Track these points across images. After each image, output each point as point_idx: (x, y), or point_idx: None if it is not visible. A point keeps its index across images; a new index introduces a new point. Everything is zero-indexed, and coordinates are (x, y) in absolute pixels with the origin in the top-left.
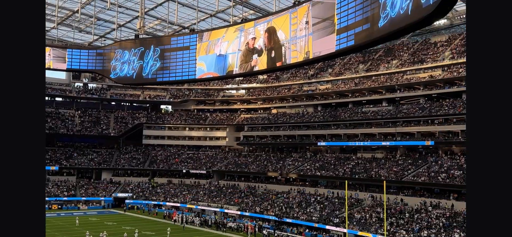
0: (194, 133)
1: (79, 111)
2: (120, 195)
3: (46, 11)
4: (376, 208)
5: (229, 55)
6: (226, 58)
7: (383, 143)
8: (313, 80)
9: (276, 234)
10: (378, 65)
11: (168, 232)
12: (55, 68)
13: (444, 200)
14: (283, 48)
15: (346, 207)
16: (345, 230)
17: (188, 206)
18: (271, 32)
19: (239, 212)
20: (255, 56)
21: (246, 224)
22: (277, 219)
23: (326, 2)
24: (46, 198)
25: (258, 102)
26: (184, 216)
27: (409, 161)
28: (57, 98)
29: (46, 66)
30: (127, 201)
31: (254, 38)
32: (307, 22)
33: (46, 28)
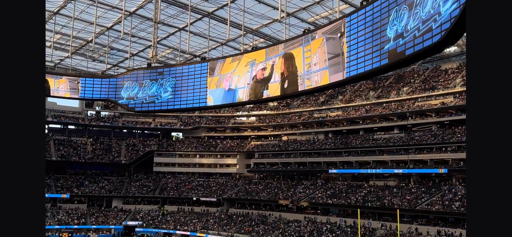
0: (204, 160)
1: (91, 139)
2: (130, 223)
3: (61, 41)
4: None
5: (238, 90)
6: (235, 92)
7: (396, 171)
8: (323, 107)
9: None
10: (389, 92)
11: None
12: (69, 97)
13: (459, 229)
14: (299, 79)
15: (359, 236)
16: None
17: (198, 234)
18: (288, 58)
19: None
20: (266, 92)
21: None
22: None
23: (337, 38)
24: (57, 226)
25: (269, 130)
26: None
27: (423, 189)
28: (69, 126)
29: (64, 96)
30: (137, 229)
31: (264, 69)
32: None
33: (61, 57)
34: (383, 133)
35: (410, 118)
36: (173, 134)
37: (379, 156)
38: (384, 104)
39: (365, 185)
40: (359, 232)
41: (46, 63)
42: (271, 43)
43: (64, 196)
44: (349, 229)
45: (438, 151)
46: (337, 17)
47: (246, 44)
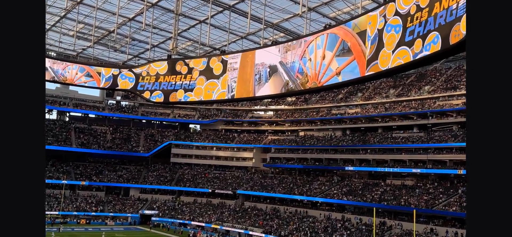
0: (221, 153)
1: (111, 128)
2: (147, 212)
3: (84, 31)
4: None
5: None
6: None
7: (414, 170)
8: (342, 103)
9: None
10: (409, 91)
11: None
12: (90, 86)
13: None
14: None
15: (374, 235)
16: None
17: (213, 226)
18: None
19: (263, 235)
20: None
21: None
22: None
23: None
24: (75, 212)
25: (286, 125)
26: (208, 236)
27: (440, 190)
28: (90, 115)
29: (96, 85)
30: (153, 218)
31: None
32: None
33: (83, 47)
34: (402, 132)
35: (430, 117)
36: (191, 125)
37: (397, 154)
38: (404, 102)
39: (382, 183)
40: (374, 231)
41: (69, 52)
42: (291, 38)
43: (83, 183)
44: (364, 227)
45: (458, 151)
46: (359, 13)
47: (266, 38)
